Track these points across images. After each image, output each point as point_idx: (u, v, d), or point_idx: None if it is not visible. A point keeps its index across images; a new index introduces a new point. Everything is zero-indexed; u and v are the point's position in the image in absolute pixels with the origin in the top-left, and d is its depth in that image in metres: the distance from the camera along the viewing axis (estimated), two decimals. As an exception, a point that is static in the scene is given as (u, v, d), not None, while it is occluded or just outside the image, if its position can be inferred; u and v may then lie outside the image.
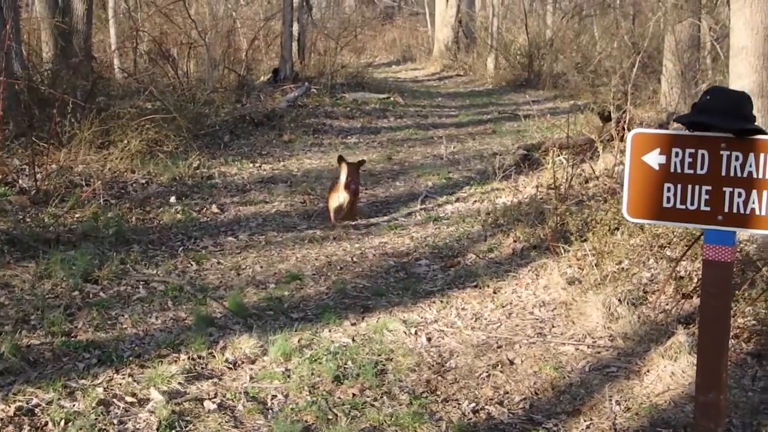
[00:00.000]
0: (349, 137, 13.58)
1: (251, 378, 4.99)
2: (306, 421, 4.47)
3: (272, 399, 4.73)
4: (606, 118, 12.05)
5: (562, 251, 7.15)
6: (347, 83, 18.63)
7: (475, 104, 18.43)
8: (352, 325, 5.91)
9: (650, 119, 12.66)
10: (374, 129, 14.51)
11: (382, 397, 4.79)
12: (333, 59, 19.18)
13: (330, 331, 5.77)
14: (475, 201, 9.49)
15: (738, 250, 6.62)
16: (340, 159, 8.84)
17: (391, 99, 17.63)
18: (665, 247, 7.12)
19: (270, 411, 4.60)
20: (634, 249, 7.05)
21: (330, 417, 4.52)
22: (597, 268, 6.68)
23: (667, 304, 6.19)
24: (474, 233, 8.22)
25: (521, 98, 17.93)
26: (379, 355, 5.37)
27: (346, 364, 5.21)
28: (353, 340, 5.61)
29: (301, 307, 6.24)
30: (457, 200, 9.61)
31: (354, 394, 4.80)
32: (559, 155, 9.43)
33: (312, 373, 5.02)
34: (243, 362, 5.20)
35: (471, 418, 4.62)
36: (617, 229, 7.27)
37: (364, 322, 5.96)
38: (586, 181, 9.11)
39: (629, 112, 10.94)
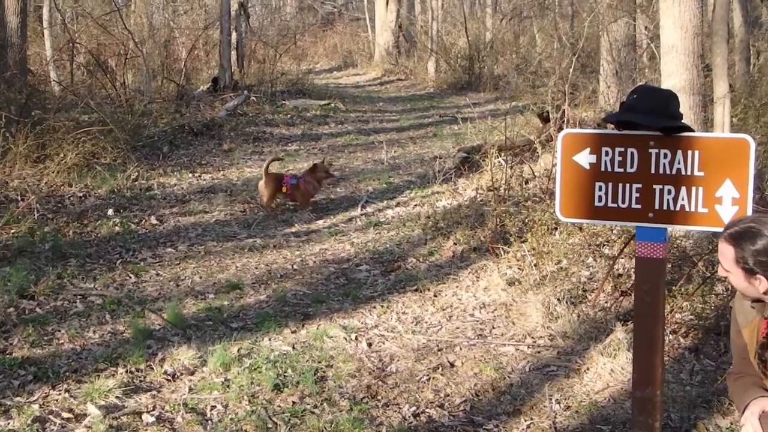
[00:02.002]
0: (289, 144, 13.53)
1: (190, 389, 4.93)
2: (245, 431, 4.42)
3: (211, 410, 4.68)
4: (545, 119, 12.16)
5: (502, 252, 7.20)
6: (288, 90, 18.58)
7: (417, 108, 18.48)
8: (292, 332, 5.88)
9: (589, 119, 12.80)
10: (315, 135, 14.48)
11: (322, 404, 4.77)
12: (273, 67, 19.09)
13: (270, 339, 5.73)
14: (416, 205, 9.51)
15: (675, 246, 6.71)
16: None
17: (332, 105, 17.60)
18: (603, 245, 7.20)
19: (209, 422, 4.55)
20: (572, 248, 7.12)
21: (269, 426, 4.48)
22: (536, 269, 6.73)
23: (606, 302, 6.25)
24: (414, 237, 8.24)
25: (462, 101, 18.04)
26: (320, 362, 5.35)
27: (285, 372, 5.17)
28: (293, 347, 5.58)
29: (241, 317, 6.19)
30: (398, 205, 9.62)
31: (294, 402, 4.77)
32: (498, 157, 9.48)
33: (251, 383, 4.98)
34: (182, 374, 5.14)
35: (411, 422, 4.61)
36: (556, 229, 7.34)
37: (304, 330, 5.93)
38: (526, 182, 9.17)
39: (567, 112, 11.07)
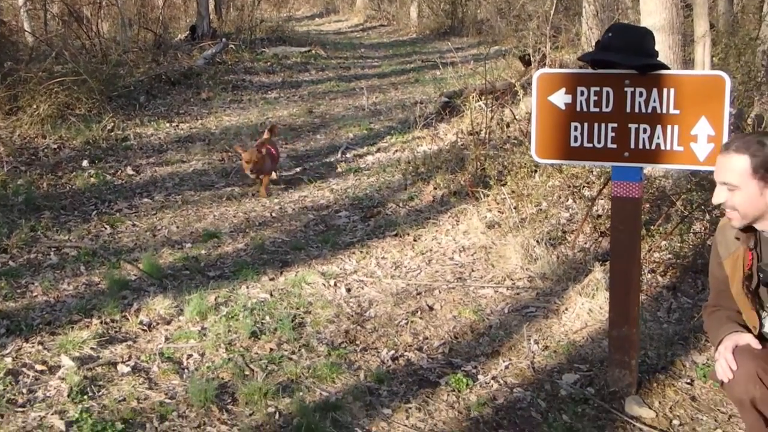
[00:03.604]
0: (269, 92, 13.40)
1: (166, 339, 4.89)
2: (222, 379, 4.39)
3: (188, 358, 4.64)
4: (526, 62, 12.09)
5: (482, 196, 7.16)
6: (267, 38, 18.37)
7: (399, 54, 18.32)
8: (271, 280, 5.84)
9: (570, 61, 12.69)
10: (295, 83, 14.35)
11: (299, 350, 4.74)
12: (252, 14, 18.86)
13: (248, 287, 5.68)
14: (396, 150, 9.43)
15: (654, 186, 6.69)
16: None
17: (313, 52, 17.42)
18: (583, 187, 7.17)
19: (185, 370, 4.51)
20: (552, 191, 7.09)
21: (247, 373, 4.45)
22: (516, 211, 6.70)
23: (585, 243, 6.24)
24: (394, 183, 8.18)
25: (445, 46, 17.90)
26: (298, 309, 5.31)
27: (263, 319, 5.14)
28: (271, 295, 5.54)
29: (218, 265, 6.14)
30: (378, 151, 9.55)
31: (271, 349, 4.74)
32: (478, 101, 9.41)
33: (228, 331, 4.94)
34: (158, 323, 5.09)
35: (390, 366, 4.60)
36: (535, 172, 7.30)
37: (283, 277, 5.89)
38: (507, 126, 9.10)
39: (548, 55, 10.98)
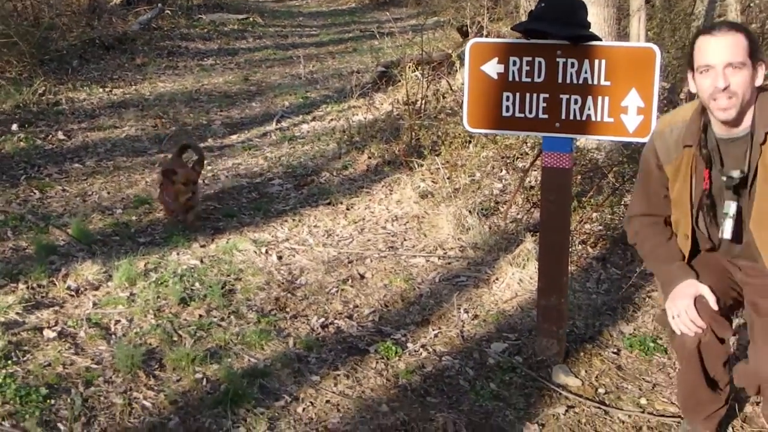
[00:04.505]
0: (205, 59, 13.22)
1: (94, 304, 4.82)
2: (150, 344, 4.35)
3: (116, 324, 4.59)
4: (464, 33, 12.09)
5: (416, 166, 7.17)
6: (205, 4, 18.11)
7: (337, 23, 18.21)
8: (201, 247, 5.78)
9: (509, 33, 12.72)
10: (232, 50, 14.18)
11: (229, 317, 4.71)
12: (189, -21, 18.54)
13: (178, 254, 5.62)
14: (332, 119, 9.39)
15: (587, 158, 6.77)
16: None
17: (251, 19, 17.23)
18: (517, 158, 7.23)
19: (113, 336, 4.46)
20: (486, 161, 7.13)
21: (175, 339, 4.41)
22: (449, 182, 6.72)
23: (517, 214, 6.29)
24: (329, 151, 8.15)
25: (384, 16, 17.81)
26: (228, 276, 5.27)
27: (193, 285, 5.09)
28: (201, 261, 5.49)
29: (149, 232, 6.06)
30: (314, 119, 9.49)
31: (200, 315, 4.70)
32: (415, 71, 9.39)
33: (158, 297, 4.89)
34: (86, 289, 5.01)
35: (319, 333, 4.59)
36: (470, 142, 7.33)
37: (214, 244, 5.84)
38: (443, 96, 9.11)
39: (485, 27, 11.00)
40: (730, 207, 3.10)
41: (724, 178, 3.10)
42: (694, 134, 3.16)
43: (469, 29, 11.39)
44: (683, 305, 3.19)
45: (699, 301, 3.20)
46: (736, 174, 3.06)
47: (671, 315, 3.24)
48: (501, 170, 7.06)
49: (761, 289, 3.15)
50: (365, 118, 9.05)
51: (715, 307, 3.18)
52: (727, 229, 3.12)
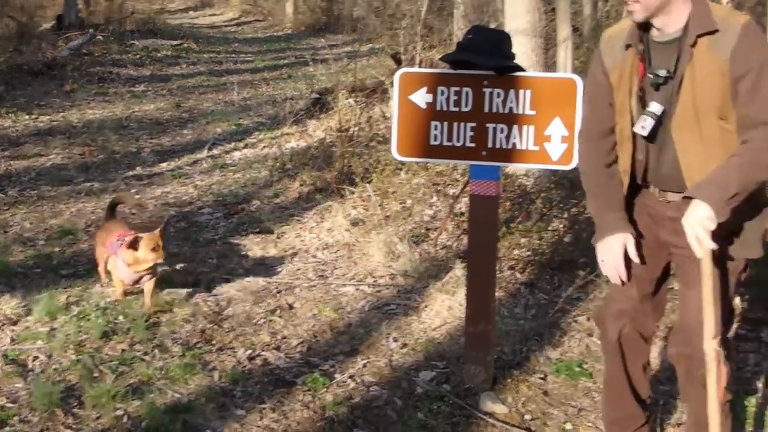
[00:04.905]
0: (137, 86, 13.11)
1: (12, 340, 4.67)
2: (69, 381, 4.23)
3: (34, 360, 4.45)
4: (398, 61, 12.12)
5: (348, 193, 7.14)
6: (138, 30, 17.99)
7: (272, 49, 18.21)
8: (127, 278, 5.66)
9: (439, 63, 12.81)
10: (165, 76, 14.09)
11: (153, 351, 4.60)
12: (122, 5, 18.43)
13: (102, 286, 5.50)
14: (264, 146, 9.35)
15: (516, 185, 6.81)
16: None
17: (185, 45, 17.18)
18: (448, 185, 7.25)
19: (31, 373, 4.32)
20: (417, 188, 7.13)
21: (95, 375, 4.30)
22: (380, 209, 6.70)
23: (447, 241, 6.29)
24: (261, 179, 8.09)
25: (319, 43, 17.87)
26: (153, 308, 5.17)
27: (116, 319, 4.96)
28: (126, 294, 5.37)
29: (72, 263, 5.92)
30: (246, 146, 9.44)
31: (123, 350, 4.59)
32: (348, 98, 9.39)
33: (79, 331, 4.76)
34: (3, 324, 4.85)
35: (246, 366, 4.51)
36: (401, 169, 7.33)
37: (139, 275, 5.72)
38: (376, 123, 9.12)
39: (419, 54, 11.04)
40: (654, 106, 3.14)
41: (651, 76, 3.14)
42: (634, 35, 3.19)
43: (402, 57, 11.43)
44: (613, 257, 3.26)
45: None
46: (662, 73, 3.10)
47: (600, 258, 3.32)
48: (432, 197, 7.07)
49: (686, 261, 3.17)
50: (298, 146, 9.02)
51: (637, 260, 3.25)
52: (646, 126, 3.14)
